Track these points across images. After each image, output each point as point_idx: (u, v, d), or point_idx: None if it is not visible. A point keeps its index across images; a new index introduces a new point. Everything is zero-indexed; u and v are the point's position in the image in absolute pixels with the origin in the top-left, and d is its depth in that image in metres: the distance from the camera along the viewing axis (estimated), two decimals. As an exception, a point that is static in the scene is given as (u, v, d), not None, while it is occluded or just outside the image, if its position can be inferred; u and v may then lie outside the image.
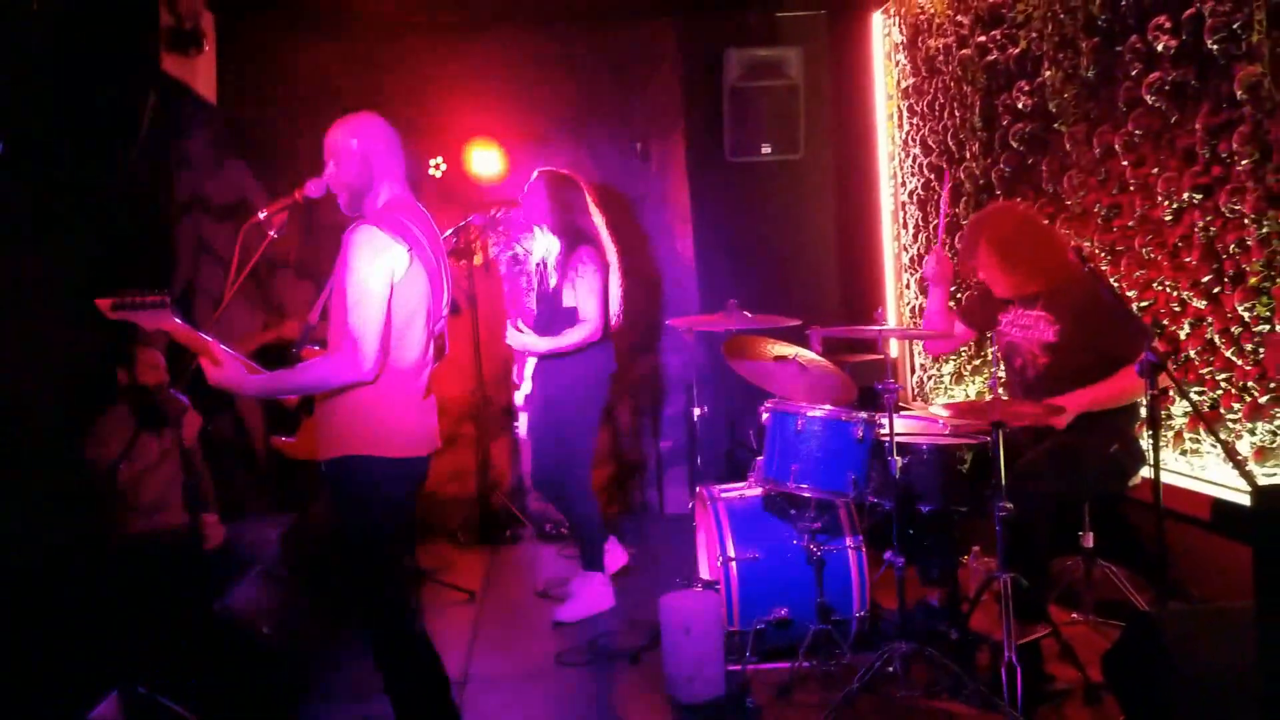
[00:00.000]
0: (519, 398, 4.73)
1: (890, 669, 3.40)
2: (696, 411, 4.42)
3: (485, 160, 5.99)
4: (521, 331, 4.54)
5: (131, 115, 4.23)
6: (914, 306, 6.14)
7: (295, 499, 5.16)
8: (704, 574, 4.12)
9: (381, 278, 2.77)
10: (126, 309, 2.75)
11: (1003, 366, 3.94)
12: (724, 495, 3.97)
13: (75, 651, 3.43)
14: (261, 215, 2.98)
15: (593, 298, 4.46)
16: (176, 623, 3.65)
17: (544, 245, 4.61)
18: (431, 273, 2.92)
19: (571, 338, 4.44)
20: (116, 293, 2.77)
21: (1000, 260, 3.80)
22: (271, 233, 2.99)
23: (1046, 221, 4.31)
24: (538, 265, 4.66)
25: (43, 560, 3.65)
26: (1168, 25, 3.73)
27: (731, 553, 3.75)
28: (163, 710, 3.29)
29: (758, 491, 3.91)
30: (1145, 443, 3.77)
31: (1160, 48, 3.77)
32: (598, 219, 4.62)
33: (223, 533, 4.28)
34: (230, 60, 5.27)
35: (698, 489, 4.11)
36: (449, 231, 4.63)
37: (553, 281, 4.55)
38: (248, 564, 4.14)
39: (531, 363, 4.68)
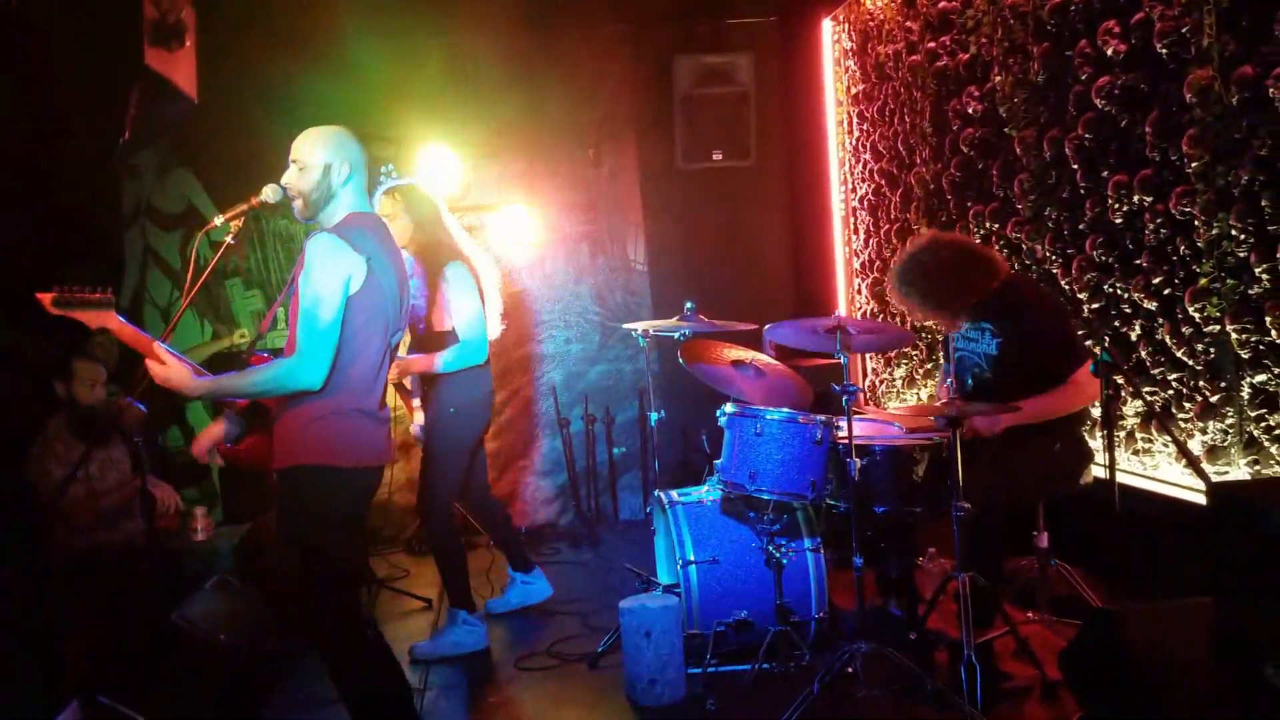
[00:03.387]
0: (415, 430, 4.40)
1: (850, 669, 3.40)
2: (654, 416, 4.36)
3: (435, 167, 5.93)
4: (397, 359, 4.08)
5: (118, 107, 4.15)
6: (865, 312, 6.19)
7: (248, 509, 5.08)
8: (663, 578, 4.10)
9: (337, 287, 2.75)
10: (69, 305, 2.70)
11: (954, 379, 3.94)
12: (682, 499, 3.95)
13: (34, 663, 3.35)
14: (218, 221, 2.93)
15: (470, 319, 4.15)
16: (134, 633, 3.60)
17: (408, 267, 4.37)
18: (388, 285, 2.90)
19: (452, 357, 4.12)
20: (59, 288, 2.70)
21: (923, 306, 3.80)
22: (229, 239, 2.94)
23: (963, 244, 3.95)
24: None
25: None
26: (1117, 30, 3.79)
27: (690, 555, 3.74)
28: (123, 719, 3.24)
29: (716, 495, 3.90)
30: (1094, 442, 3.83)
31: (1110, 52, 3.83)
32: (459, 234, 4.33)
33: (211, 525, 4.25)
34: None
35: (655, 493, 4.09)
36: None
37: (422, 306, 4.22)
38: (203, 574, 4.09)
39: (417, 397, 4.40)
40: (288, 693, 3.83)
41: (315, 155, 2.90)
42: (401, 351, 4.24)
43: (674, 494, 4.00)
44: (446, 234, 4.27)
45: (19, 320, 3.83)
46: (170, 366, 2.80)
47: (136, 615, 3.66)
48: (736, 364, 3.99)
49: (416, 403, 4.45)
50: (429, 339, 4.22)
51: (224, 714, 3.55)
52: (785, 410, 3.66)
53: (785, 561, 3.67)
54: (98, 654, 3.45)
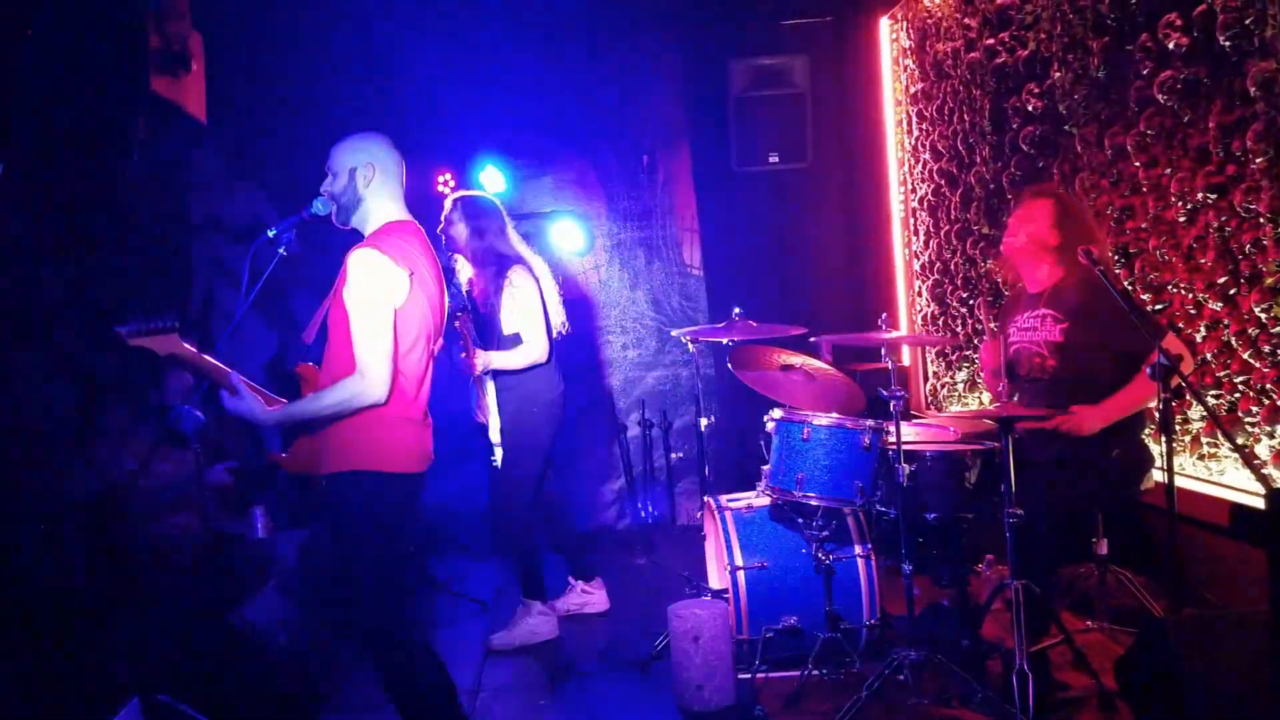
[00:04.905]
0: (493, 434, 4.48)
1: (900, 677, 3.36)
2: (704, 422, 4.40)
3: (490, 176, 6.00)
4: (477, 358, 4.31)
5: (123, 137, 4.30)
6: (925, 314, 6.11)
7: (312, 513, 5.20)
8: (713, 583, 4.09)
9: (385, 300, 2.81)
10: (141, 335, 2.81)
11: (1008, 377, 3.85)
12: (731, 504, 3.94)
13: (96, 660, 3.47)
14: (270, 233, 3.00)
15: (531, 319, 4.31)
16: (194, 631, 3.69)
17: (467, 275, 4.49)
18: (430, 294, 2.95)
19: (518, 357, 4.29)
20: (130, 321, 2.82)
21: (1055, 221, 3.67)
22: (281, 250, 3.01)
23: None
24: (468, 295, 4.52)
25: (63, 571, 3.70)
26: (1179, 23, 3.69)
27: (739, 561, 3.73)
28: (183, 718, 3.32)
29: (765, 501, 3.88)
30: (1154, 446, 3.72)
31: (1171, 45, 3.73)
32: (517, 241, 4.48)
33: (271, 524, 4.35)
34: (223, 78, 5.29)
35: (705, 499, 4.09)
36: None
37: (488, 312, 4.39)
38: (266, 576, 4.18)
39: (492, 394, 4.46)
40: (344, 694, 3.91)
41: (341, 161, 2.97)
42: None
43: (723, 499, 3.99)
44: (506, 240, 4.41)
45: (84, 333, 3.98)
46: (242, 396, 2.88)
47: (197, 613, 3.76)
48: (786, 369, 3.97)
49: (490, 402, 4.52)
50: (494, 343, 4.38)
51: (281, 714, 3.62)
52: (833, 415, 3.62)
53: (835, 568, 3.64)
54: (158, 651, 3.55)
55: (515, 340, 4.32)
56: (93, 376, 4.09)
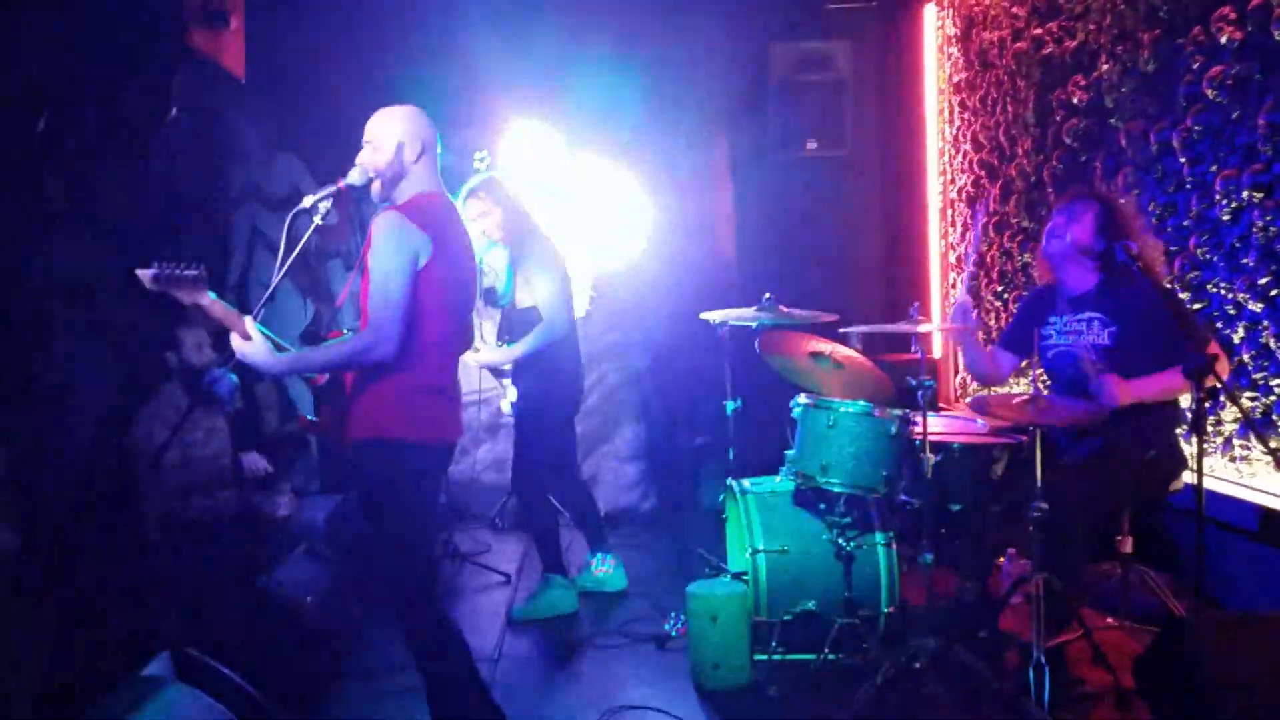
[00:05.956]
0: (505, 406, 4.53)
1: (916, 665, 3.36)
2: (730, 405, 4.40)
3: (523, 151, 6.00)
4: (479, 350, 4.36)
5: (162, 92, 4.32)
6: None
7: (343, 479, 5.26)
8: (732, 565, 4.11)
9: (404, 263, 2.82)
10: (165, 281, 2.84)
11: (1047, 380, 3.81)
12: (754, 488, 3.95)
13: (128, 617, 3.55)
14: (306, 203, 3.02)
15: (551, 295, 4.30)
16: (224, 593, 3.76)
17: (492, 252, 4.52)
18: (456, 263, 2.97)
19: (532, 342, 4.28)
20: (156, 265, 2.85)
21: (1100, 225, 3.58)
22: (317, 219, 3.03)
23: None
24: (489, 273, 4.56)
25: (99, 531, 3.78)
26: (1232, 16, 3.62)
27: (759, 544, 3.74)
28: (212, 672, 3.38)
29: (789, 485, 3.89)
30: (1187, 448, 3.68)
31: (1224, 40, 3.67)
32: (540, 218, 4.51)
33: (296, 503, 4.41)
34: (262, 40, 5.29)
35: (728, 481, 4.10)
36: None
37: (504, 287, 4.44)
38: (295, 542, 4.25)
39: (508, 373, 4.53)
40: (369, 655, 3.97)
41: (388, 133, 2.97)
42: (490, 327, 4.39)
43: (746, 483, 4.00)
44: (529, 217, 4.44)
45: (122, 298, 4.03)
46: (253, 342, 2.90)
47: (227, 577, 3.82)
48: (815, 355, 3.96)
49: (507, 381, 4.57)
50: (514, 316, 4.40)
51: (307, 673, 3.68)
52: (859, 403, 3.62)
53: (855, 554, 3.64)
54: (188, 611, 3.62)
55: (531, 315, 4.31)
56: (128, 342, 4.16)
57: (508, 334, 4.46)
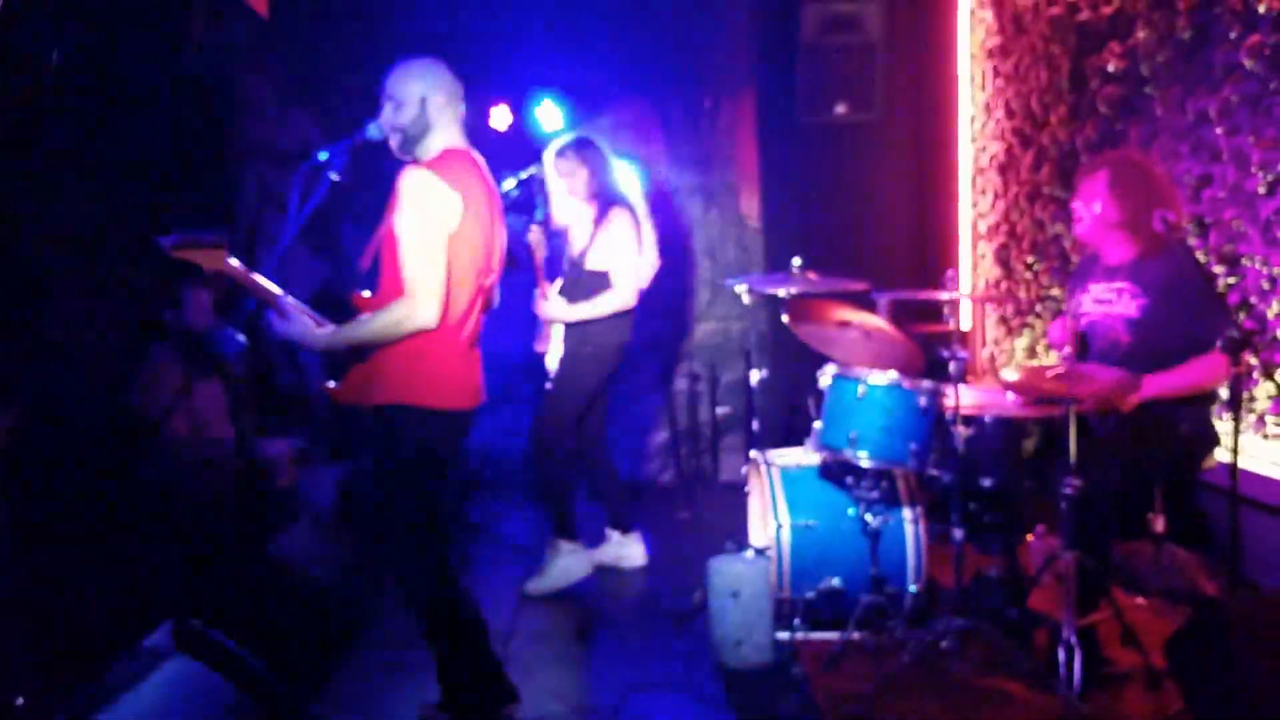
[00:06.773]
0: (550, 361, 4.53)
1: (943, 644, 3.31)
2: (755, 375, 4.32)
3: (548, 112, 5.89)
4: (548, 300, 4.38)
5: (183, 23, 4.23)
6: (989, 279, 5.95)
7: (354, 447, 5.22)
8: (755, 540, 4.05)
9: (438, 224, 2.75)
10: (186, 248, 2.76)
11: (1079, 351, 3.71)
12: (779, 461, 3.88)
13: (131, 585, 3.51)
14: (322, 156, 2.95)
15: (625, 266, 4.34)
16: (228, 564, 3.72)
17: (572, 211, 4.48)
18: (483, 226, 2.89)
19: (603, 305, 4.30)
20: (176, 232, 2.78)
21: (1114, 192, 3.46)
22: (333, 175, 2.95)
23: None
24: (564, 230, 4.53)
25: (101, 496, 3.73)
26: (1273, -16, 3.51)
27: (785, 519, 3.67)
28: (215, 644, 3.35)
29: (814, 458, 3.81)
30: (1221, 424, 3.59)
31: (1262, 9, 3.57)
32: (625, 182, 4.50)
33: (295, 473, 4.35)
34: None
35: (752, 454, 4.03)
36: (513, 184, 4.48)
37: (579, 247, 4.43)
38: (304, 510, 4.21)
39: (559, 326, 4.51)
40: (377, 629, 3.91)
41: (410, 89, 2.89)
42: (554, 289, 4.41)
43: (771, 455, 3.93)
44: (614, 181, 4.44)
45: (126, 254, 3.96)
46: (292, 320, 2.84)
47: (232, 547, 3.78)
48: (843, 325, 3.87)
49: (555, 332, 4.54)
50: (582, 279, 4.38)
51: (313, 649, 3.62)
52: (890, 374, 3.54)
53: (882, 531, 3.58)
54: (192, 582, 3.58)
55: (601, 279, 4.30)
56: (132, 299, 4.09)
57: (573, 292, 4.41)
